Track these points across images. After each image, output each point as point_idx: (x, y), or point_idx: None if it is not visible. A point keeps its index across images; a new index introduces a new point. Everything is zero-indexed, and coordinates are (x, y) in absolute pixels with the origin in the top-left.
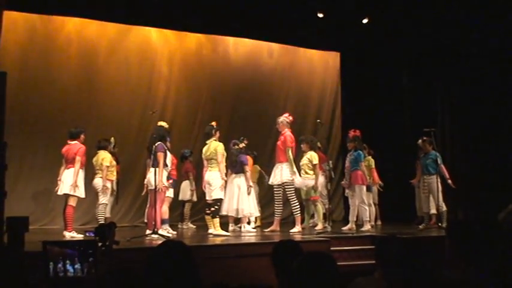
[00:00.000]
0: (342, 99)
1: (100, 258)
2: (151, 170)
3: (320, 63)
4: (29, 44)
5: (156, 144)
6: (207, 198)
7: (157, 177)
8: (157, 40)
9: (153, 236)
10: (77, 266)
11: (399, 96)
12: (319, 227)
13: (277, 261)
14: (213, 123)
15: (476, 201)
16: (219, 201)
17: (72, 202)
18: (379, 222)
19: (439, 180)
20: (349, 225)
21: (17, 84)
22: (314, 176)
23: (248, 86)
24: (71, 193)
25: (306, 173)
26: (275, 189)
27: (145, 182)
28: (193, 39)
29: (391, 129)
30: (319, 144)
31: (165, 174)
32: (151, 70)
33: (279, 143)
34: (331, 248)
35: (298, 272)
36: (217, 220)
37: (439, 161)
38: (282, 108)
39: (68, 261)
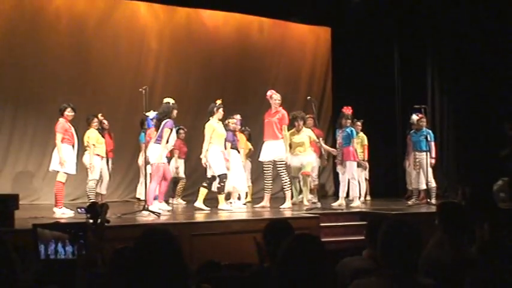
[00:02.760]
0: (332, 75)
1: (91, 239)
2: (153, 145)
3: (311, 39)
4: (18, 19)
5: (165, 121)
6: (208, 174)
7: (156, 152)
8: (146, 15)
9: (143, 212)
10: (68, 248)
11: (390, 72)
12: (306, 202)
13: (269, 241)
14: (218, 101)
15: (466, 178)
16: (224, 177)
17: (60, 178)
18: (368, 198)
19: (429, 157)
20: (339, 201)
21: (5, 61)
22: (311, 153)
23: (238, 61)
24: (58, 169)
25: (305, 150)
26: (265, 165)
27: (141, 158)
28: (182, 14)
29: (382, 106)
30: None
31: (164, 152)
32: (140, 45)
33: (274, 119)
34: (321, 224)
35: (286, 255)
36: (222, 196)
37: (430, 138)
38: (272, 83)
39: (58, 244)
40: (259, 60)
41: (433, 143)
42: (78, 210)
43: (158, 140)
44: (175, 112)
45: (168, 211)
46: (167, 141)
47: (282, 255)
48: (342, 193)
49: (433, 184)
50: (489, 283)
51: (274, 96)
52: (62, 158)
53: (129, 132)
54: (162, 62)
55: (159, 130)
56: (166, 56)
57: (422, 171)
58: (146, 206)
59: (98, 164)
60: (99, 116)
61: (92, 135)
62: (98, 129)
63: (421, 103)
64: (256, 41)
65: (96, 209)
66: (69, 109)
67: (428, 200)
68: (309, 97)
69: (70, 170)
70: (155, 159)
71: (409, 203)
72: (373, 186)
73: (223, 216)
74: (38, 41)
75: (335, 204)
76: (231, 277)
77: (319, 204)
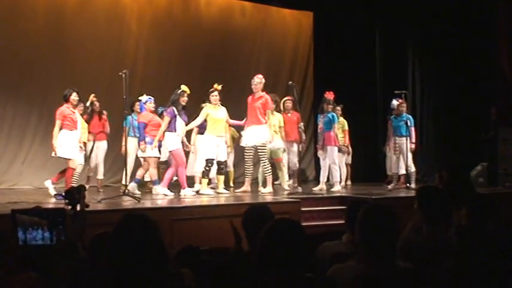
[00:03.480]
0: (314, 60)
1: (70, 224)
2: (166, 134)
3: (293, 23)
4: None
5: (167, 108)
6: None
7: (168, 140)
8: None
9: (123, 197)
10: (46, 234)
11: (372, 57)
12: (286, 187)
13: (248, 225)
14: (214, 87)
15: (444, 162)
16: (209, 162)
17: (69, 164)
18: (349, 183)
19: (409, 142)
20: (319, 186)
21: None
22: (279, 138)
23: (220, 44)
24: (58, 156)
25: (275, 133)
26: (247, 150)
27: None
28: None
29: (363, 91)
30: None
31: (177, 138)
32: (120, 28)
33: (258, 104)
34: (302, 209)
35: (265, 239)
36: (205, 180)
37: (410, 123)
38: (254, 68)
39: (37, 230)
40: (240, 44)
41: (413, 128)
42: (57, 196)
43: (169, 129)
44: (181, 99)
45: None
46: (175, 129)
47: (261, 239)
48: (323, 178)
49: (412, 169)
50: (464, 268)
51: (252, 81)
52: (54, 143)
53: (108, 116)
54: (143, 45)
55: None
56: (147, 39)
57: (402, 156)
58: (126, 191)
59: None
60: (92, 96)
61: None
62: (89, 111)
63: (402, 88)
64: (238, 25)
65: (73, 195)
66: (74, 94)
67: (408, 185)
68: (290, 82)
69: (69, 154)
70: (171, 147)
71: (389, 187)
72: (354, 171)
73: (204, 201)
74: (16, 23)
75: (316, 189)
76: (210, 261)
77: (300, 189)
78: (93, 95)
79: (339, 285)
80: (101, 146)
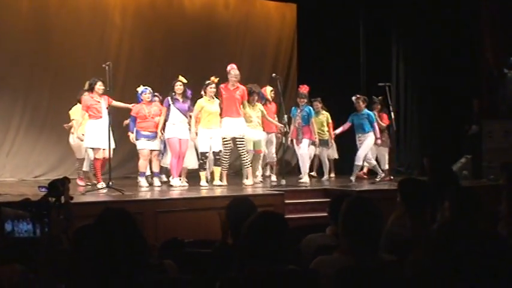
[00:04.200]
0: (298, 52)
1: (54, 217)
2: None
3: (276, 16)
4: None
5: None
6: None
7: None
8: None
9: (103, 191)
10: (30, 226)
11: (355, 50)
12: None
13: (231, 218)
14: (212, 79)
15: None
16: (203, 156)
17: (94, 155)
18: (332, 175)
19: (373, 137)
20: (304, 179)
21: None
22: (261, 129)
23: (203, 37)
24: (86, 145)
25: (257, 125)
26: (226, 142)
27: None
28: None
29: (347, 83)
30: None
31: (169, 127)
32: (104, 19)
33: (237, 96)
34: (286, 201)
35: (249, 232)
36: (202, 173)
37: (371, 119)
38: (238, 61)
39: (21, 222)
40: (224, 37)
41: (375, 124)
42: (40, 189)
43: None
44: (175, 88)
45: (181, 186)
46: (169, 118)
47: (245, 232)
48: (304, 169)
49: (373, 162)
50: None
51: (232, 72)
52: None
53: None
54: (126, 37)
55: None
56: (130, 31)
57: (361, 148)
58: (111, 184)
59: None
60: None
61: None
62: None
63: (386, 81)
64: (222, 17)
65: (57, 187)
66: (99, 83)
67: (376, 179)
68: (274, 74)
69: (96, 143)
70: (166, 136)
71: (377, 179)
72: (339, 163)
73: (187, 193)
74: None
75: (301, 181)
76: (193, 253)
77: (283, 181)
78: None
79: (323, 277)
80: None
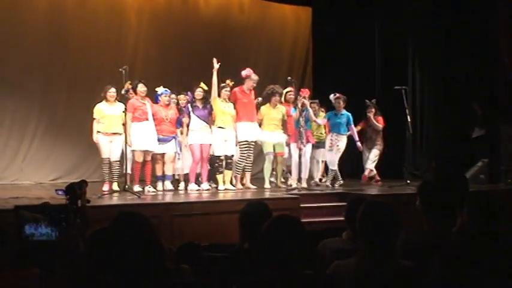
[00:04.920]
0: (313, 56)
1: (72, 221)
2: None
3: (292, 19)
4: None
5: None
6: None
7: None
8: None
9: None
10: (48, 230)
11: (371, 53)
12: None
13: (246, 222)
14: (227, 82)
15: (445, 159)
16: (218, 159)
17: (134, 158)
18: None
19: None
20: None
21: None
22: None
23: (218, 40)
24: (131, 149)
25: (279, 127)
26: (242, 146)
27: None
28: None
29: (362, 86)
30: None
31: (190, 134)
32: (120, 23)
33: (253, 100)
34: (301, 205)
35: (266, 236)
36: (219, 176)
37: (350, 121)
38: (253, 64)
39: (39, 225)
40: (239, 40)
41: (353, 126)
42: (58, 192)
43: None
44: (196, 94)
45: (207, 190)
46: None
47: (261, 236)
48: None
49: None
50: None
51: (253, 77)
52: (128, 137)
53: None
54: (142, 41)
55: None
56: (146, 34)
57: (334, 154)
58: (127, 186)
59: (102, 143)
60: (127, 84)
61: (96, 107)
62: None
63: (402, 84)
64: (237, 21)
65: (75, 190)
66: (140, 85)
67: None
68: (289, 77)
69: (142, 146)
70: (189, 142)
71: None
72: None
73: (203, 197)
74: (16, 20)
75: (314, 185)
76: (210, 258)
77: (299, 185)
78: (129, 82)
79: (339, 282)
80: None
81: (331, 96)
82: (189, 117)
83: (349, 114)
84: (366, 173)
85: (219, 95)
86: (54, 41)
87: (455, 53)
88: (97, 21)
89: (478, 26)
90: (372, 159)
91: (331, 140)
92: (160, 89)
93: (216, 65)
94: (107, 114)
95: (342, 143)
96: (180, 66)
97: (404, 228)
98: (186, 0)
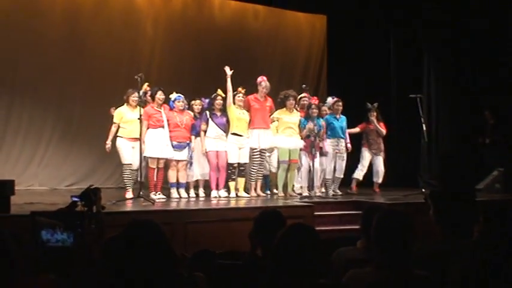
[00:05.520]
0: (327, 63)
1: (87, 227)
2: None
3: (306, 27)
4: (12, 7)
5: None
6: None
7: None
8: (141, 1)
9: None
10: (64, 236)
11: (386, 60)
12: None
13: (260, 230)
14: (239, 90)
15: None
16: (231, 166)
17: (149, 164)
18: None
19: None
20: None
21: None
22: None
23: (233, 48)
24: (144, 155)
25: (295, 133)
26: (255, 153)
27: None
28: (178, 1)
29: (377, 94)
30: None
31: (206, 140)
32: (136, 31)
33: (267, 107)
34: (315, 213)
35: (280, 245)
36: (231, 183)
37: (345, 124)
38: (268, 71)
39: (55, 232)
40: (254, 48)
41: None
42: (72, 198)
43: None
44: (215, 103)
45: (226, 197)
46: (205, 132)
47: (276, 244)
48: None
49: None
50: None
51: (263, 84)
52: (143, 144)
53: None
54: (158, 49)
55: None
56: (162, 42)
57: (341, 161)
58: (141, 193)
59: (124, 148)
60: (146, 86)
61: (116, 112)
62: (142, 101)
63: (417, 92)
64: (252, 29)
65: (90, 196)
66: (160, 92)
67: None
68: (304, 85)
69: (156, 153)
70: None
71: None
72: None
73: (217, 204)
74: (33, 28)
75: (330, 193)
76: (224, 265)
77: (312, 193)
78: (147, 83)
79: None
80: None
81: (330, 100)
82: (207, 124)
83: (344, 117)
84: (377, 187)
85: (233, 102)
86: (70, 48)
87: (472, 59)
88: (113, 28)
89: (495, 32)
90: (380, 173)
91: (334, 146)
92: (173, 95)
93: (229, 72)
94: (129, 119)
95: (343, 148)
96: (195, 74)
97: (419, 237)
98: (201, 9)
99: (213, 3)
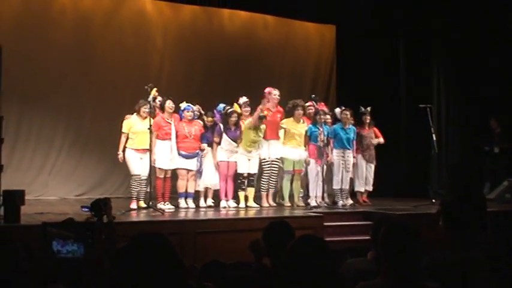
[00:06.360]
0: (337, 73)
1: (98, 237)
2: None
3: (316, 37)
4: (23, 17)
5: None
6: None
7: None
8: (151, 12)
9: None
10: (74, 247)
11: (396, 71)
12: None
13: (268, 241)
14: (264, 112)
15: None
16: (241, 176)
17: (156, 173)
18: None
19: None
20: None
21: (11, 58)
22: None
23: (243, 58)
24: (153, 165)
25: (302, 143)
26: (266, 164)
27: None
28: (188, 11)
29: (387, 105)
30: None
31: (219, 151)
32: (145, 42)
33: (277, 118)
34: (325, 224)
35: (290, 256)
36: (241, 193)
37: (354, 135)
38: (277, 82)
39: (66, 242)
40: (263, 58)
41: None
42: (82, 209)
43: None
44: (230, 119)
45: (235, 207)
46: (219, 143)
47: (285, 256)
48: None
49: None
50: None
51: (274, 92)
52: (152, 155)
53: None
54: (167, 59)
55: None
56: (171, 53)
57: (346, 172)
58: (150, 203)
59: (132, 159)
60: (154, 91)
61: (127, 122)
62: (151, 108)
63: (427, 102)
64: (261, 39)
65: (100, 206)
66: (169, 101)
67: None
68: (313, 95)
69: (163, 164)
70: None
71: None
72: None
73: (227, 214)
74: (44, 38)
75: (340, 204)
76: (234, 276)
77: (322, 202)
78: (155, 89)
79: None
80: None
81: (337, 110)
82: (221, 137)
83: (354, 128)
84: (365, 196)
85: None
86: (81, 59)
87: (482, 70)
88: (123, 38)
89: (505, 43)
90: (370, 181)
91: (340, 157)
92: (183, 105)
93: (263, 114)
94: (138, 129)
95: (351, 159)
96: (205, 84)
97: (429, 248)
98: (210, 19)
99: (222, 14)
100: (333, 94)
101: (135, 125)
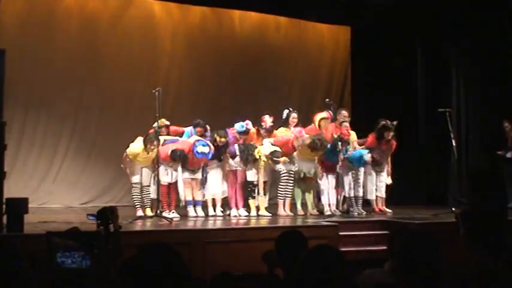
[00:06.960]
0: (352, 76)
1: (104, 247)
2: None
3: (330, 39)
4: (28, 19)
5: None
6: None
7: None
8: (159, 13)
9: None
10: (79, 258)
11: (413, 74)
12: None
13: (281, 251)
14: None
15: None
16: (251, 184)
17: (161, 181)
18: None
19: None
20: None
21: (15, 63)
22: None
23: (254, 61)
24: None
25: (312, 157)
26: (282, 173)
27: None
28: (197, 12)
29: (404, 108)
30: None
31: (230, 161)
32: (153, 45)
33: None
34: (340, 233)
35: (303, 267)
36: (251, 201)
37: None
38: (290, 85)
39: (71, 253)
40: (275, 61)
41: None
42: (89, 217)
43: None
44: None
45: (246, 216)
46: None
47: (299, 267)
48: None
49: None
50: None
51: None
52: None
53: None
54: (176, 62)
55: None
56: (180, 55)
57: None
58: (158, 212)
59: (134, 167)
60: (162, 121)
61: (132, 150)
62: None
63: (446, 106)
64: (273, 41)
65: (106, 215)
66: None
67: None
68: (327, 99)
69: (168, 179)
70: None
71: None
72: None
73: (237, 223)
74: (49, 41)
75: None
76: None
77: (338, 212)
78: (163, 119)
79: None
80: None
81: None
82: (233, 157)
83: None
84: (381, 205)
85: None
86: (87, 62)
87: (502, 72)
88: (130, 42)
89: None
90: (381, 188)
91: (359, 171)
92: (197, 140)
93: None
94: (140, 159)
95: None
96: (214, 87)
97: (449, 258)
98: (220, 21)
99: (233, 15)
100: (348, 98)
101: (140, 156)
